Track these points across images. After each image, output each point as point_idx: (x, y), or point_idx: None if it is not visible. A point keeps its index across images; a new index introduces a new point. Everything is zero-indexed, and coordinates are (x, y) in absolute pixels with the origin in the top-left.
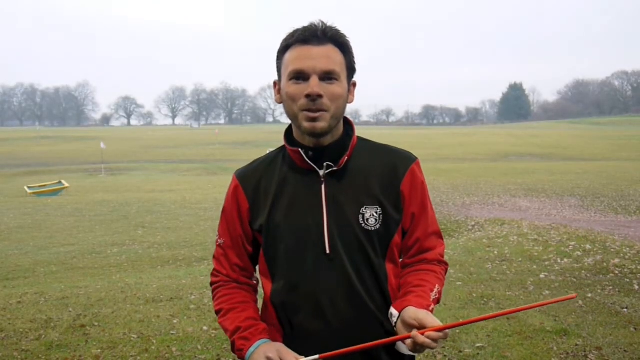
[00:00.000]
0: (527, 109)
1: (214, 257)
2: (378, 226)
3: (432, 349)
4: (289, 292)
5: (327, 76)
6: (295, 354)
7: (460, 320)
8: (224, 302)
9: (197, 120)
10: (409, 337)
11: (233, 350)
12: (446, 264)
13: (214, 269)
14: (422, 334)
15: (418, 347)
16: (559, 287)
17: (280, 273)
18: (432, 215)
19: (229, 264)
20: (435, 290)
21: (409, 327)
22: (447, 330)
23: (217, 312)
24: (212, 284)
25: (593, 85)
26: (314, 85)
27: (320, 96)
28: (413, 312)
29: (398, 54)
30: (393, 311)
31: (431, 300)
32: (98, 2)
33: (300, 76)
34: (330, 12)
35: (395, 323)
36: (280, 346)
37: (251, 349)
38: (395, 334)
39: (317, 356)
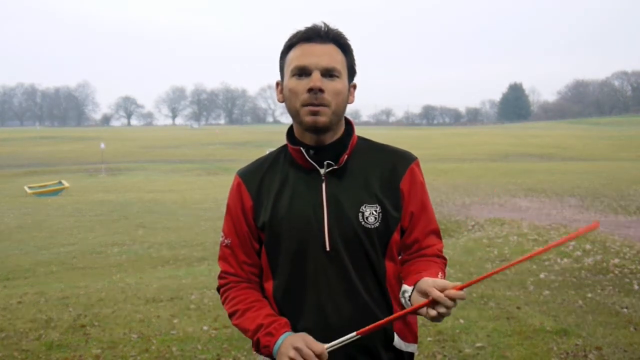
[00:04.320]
0: (527, 109)
1: (220, 258)
2: (377, 224)
3: (448, 309)
4: (289, 289)
5: (329, 73)
6: (321, 344)
7: (479, 276)
8: (239, 303)
9: (197, 120)
10: (428, 303)
11: (258, 348)
12: (445, 258)
13: (221, 272)
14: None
15: (440, 309)
16: (559, 287)
17: (281, 270)
18: (431, 213)
19: (237, 263)
20: (439, 276)
21: (427, 295)
22: (463, 291)
23: (232, 314)
24: (219, 287)
25: (593, 85)
26: (316, 79)
27: (321, 90)
28: (431, 280)
29: (398, 54)
30: (406, 287)
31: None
32: (98, 2)
33: (302, 72)
34: (330, 12)
35: (410, 297)
36: (305, 336)
37: (278, 342)
38: (391, 326)
39: (354, 333)
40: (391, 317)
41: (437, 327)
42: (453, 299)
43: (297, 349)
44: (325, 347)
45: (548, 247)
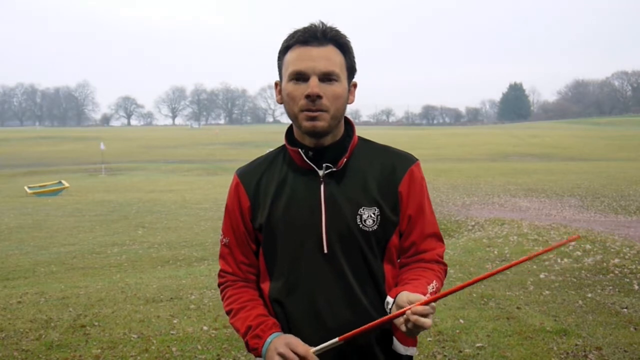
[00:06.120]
0: (527, 109)
1: (220, 256)
2: (375, 227)
3: (424, 326)
4: (286, 291)
5: (327, 77)
6: (306, 345)
7: (448, 289)
8: (233, 302)
9: (197, 120)
10: (399, 315)
11: (248, 350)
12: (445, 264)
13: (220, 270)
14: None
15: (410, 325)
16: (559, 287)
17: (278, 271)
18: (431, 217)
19: (235, 262)
20: (433, 284)
21: None
22: (432, 304)
23: (228, 313)
24: (219, 285)
25: (593, 85)
26: (314, 85)
27: (319, 97)
28: (405, 295)
29: (398, 53)
30: (388, 299)
31: (428, 292)
32: (98, 2)
33: (300, 77)
34: (330, 11)
35: (391, 310)
36: (289, 338)
37: (265, 345)
38: (391, 328)
39: (336, 339)
40: (369, 324)
41: (437, 327)
42: (422, 315)
43: (280, 355)
44: (310, 349)
45: (524, 259)
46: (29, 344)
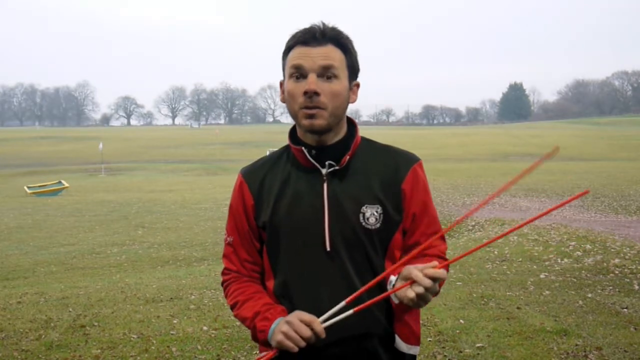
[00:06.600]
0: (527, 109)
1: (224, 255)
2: (378, 225)
3: (426, 290)
4: (289, 289)
5: (325, 73)
6: (311, 315)
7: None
8: (239, 295)
9: (197, 120)
10: (409, 285)
11: (254, 336)
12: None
13: (224, 268)
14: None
15: (417, 289)
16: (559, 287)
17: (281, 269)
18: (434, 215)
19: (239, 261)
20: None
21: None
22: (442, 270)
23: (232, 307)
24: (223, 282)
25: (593, 85)
26: (311, 82)
27: (317, 94)
28: (412, 267)
29: (397, 54)
30: (392, 278)
31: None
32: (98, 2)
33: (299, 73)
34: (331, 11)
35: (394, 286)
36: (297, 312)
37: (272, 326)
38: (392, 330)
39: (343, 302)
40: (379, 297)
41: (438, 327)
42: (432, 278)
43: (288, 322)
44: (316, 318)
45: (526, 222)
46: (28, 344)
